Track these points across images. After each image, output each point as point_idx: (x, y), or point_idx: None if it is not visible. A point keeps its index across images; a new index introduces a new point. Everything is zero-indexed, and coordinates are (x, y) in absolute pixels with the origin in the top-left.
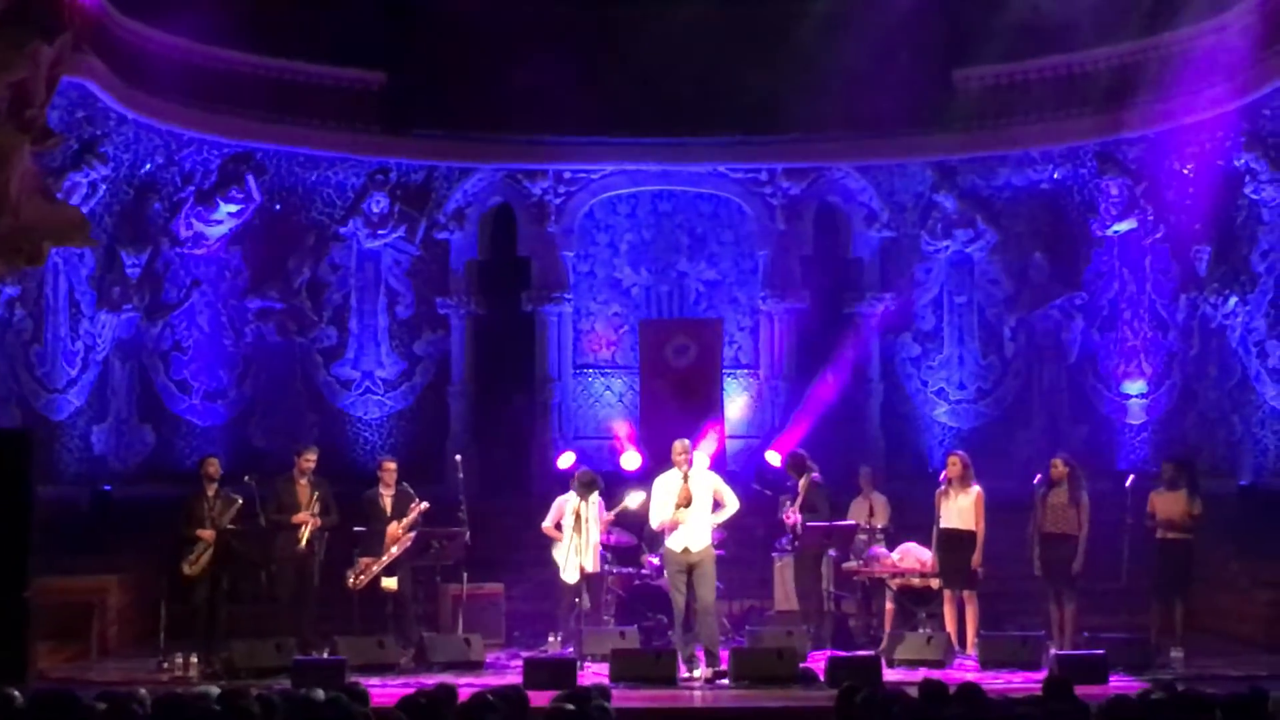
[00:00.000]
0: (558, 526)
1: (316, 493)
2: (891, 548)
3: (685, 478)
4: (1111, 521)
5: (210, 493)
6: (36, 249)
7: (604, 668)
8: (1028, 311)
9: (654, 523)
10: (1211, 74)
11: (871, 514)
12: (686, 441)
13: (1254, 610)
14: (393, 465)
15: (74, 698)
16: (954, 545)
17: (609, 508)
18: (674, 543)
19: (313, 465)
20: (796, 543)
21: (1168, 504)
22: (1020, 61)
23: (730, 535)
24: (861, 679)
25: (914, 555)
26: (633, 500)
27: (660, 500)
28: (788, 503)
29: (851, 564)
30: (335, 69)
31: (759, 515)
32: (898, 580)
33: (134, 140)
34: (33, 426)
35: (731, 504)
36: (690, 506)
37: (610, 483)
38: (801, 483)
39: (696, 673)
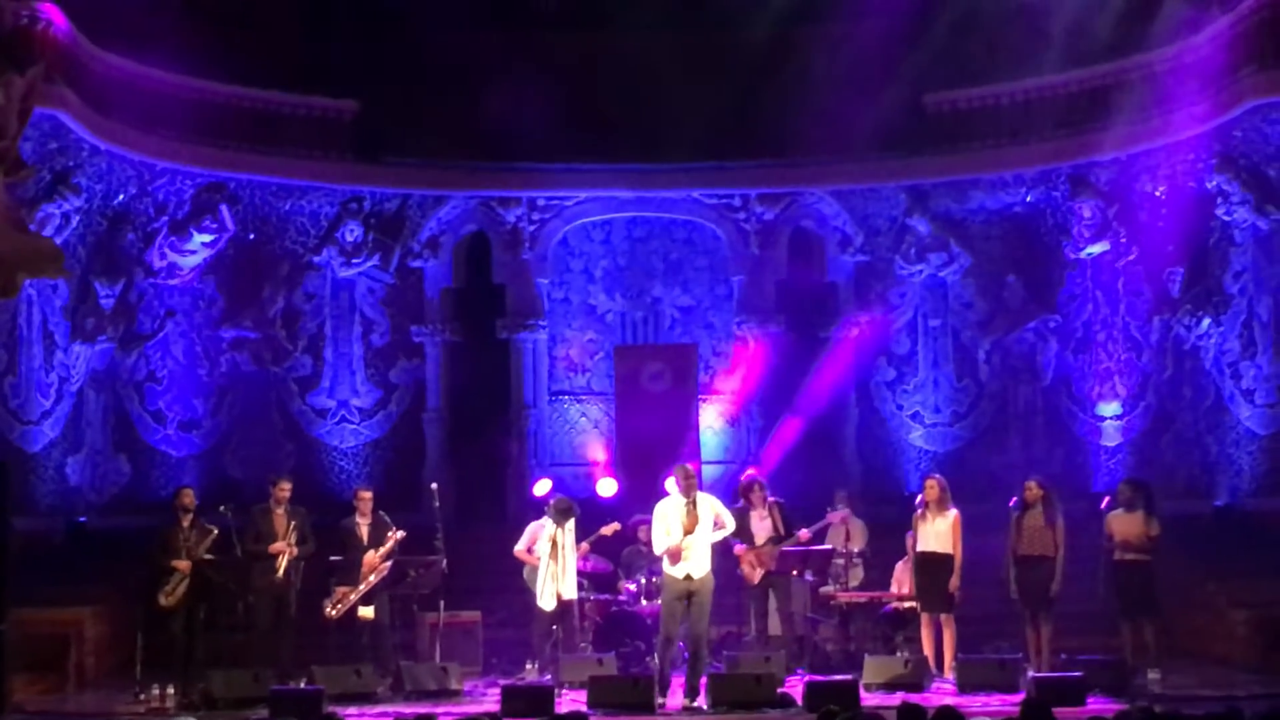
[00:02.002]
0: (530, 550)
1: (293, 522)
2: (868, 571)
3: (691, 503)
4: (1087, 544)
5: (185, 523)
6: (10, 280)
7: (581, 695)
8: (1002, 334)
9: (657, 549)
10: (1183, 96)
11: (848, 538)
12: (690, 467)
13: (1230, 630)
14: (368, 494)
15: None
16: (931, 568)
17: (585, 536)
18: (675, 570)
19: (288, 494)
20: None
21: (1125, 525)
22: (992, 85)
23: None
24: (840, 703)
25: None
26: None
27: (663, 526)
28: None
29: (828, 588)
30: (308, 98)
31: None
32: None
33: (107, 171)
34: (7, 458)
35: (730, 525)
36: (694, 533)
37: (587, 509)
38: (770, 507)
39: (662, 701)
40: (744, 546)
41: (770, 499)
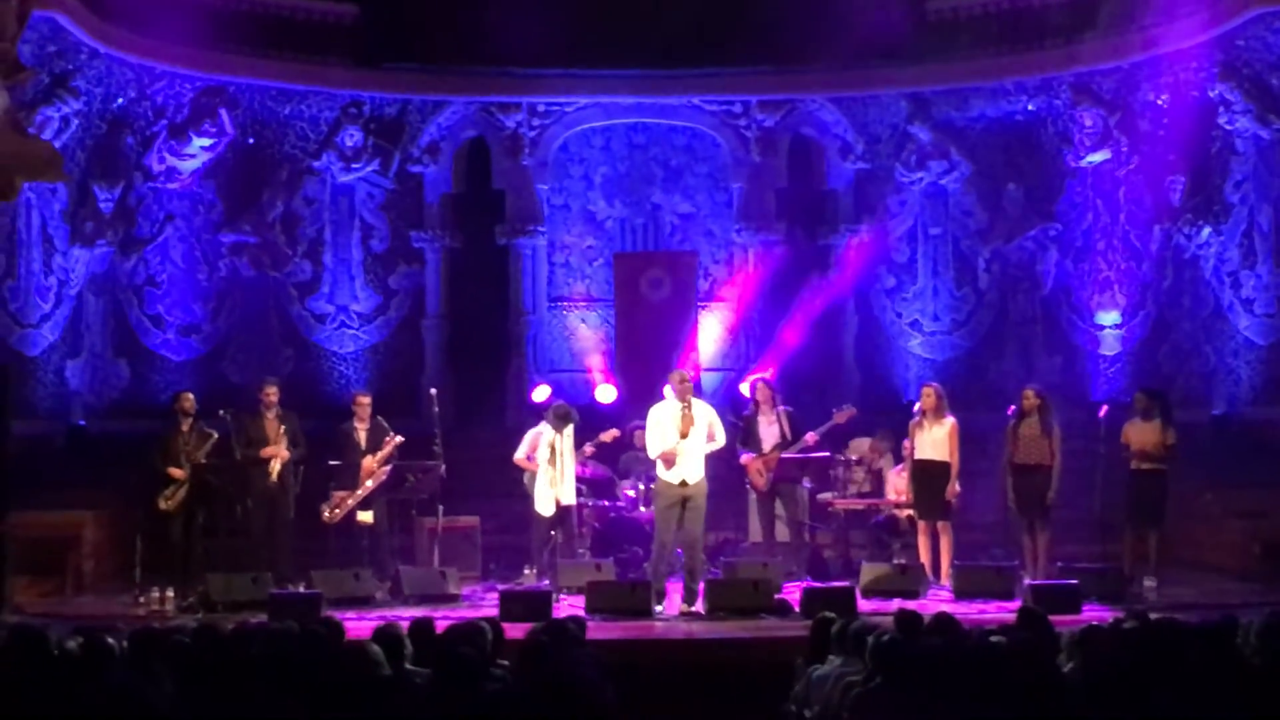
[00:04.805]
0: (529, 458)
1: (284, 426)
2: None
3: (686, 407)
4: (1085, 452)
5: (185, 427)
6: (8, 184)
7: (579, 600)
8: (1002, 243)
9: (651, 453)
10: (1186, 4)
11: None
12: (686, 372)
13: (1227, 539)
14: (367, 399)
15: (43, 634)
16: (928, 476)
17: (584, 442)
18: (670, 475)
19: (276, 398)
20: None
21: (1141, 434)
22: None
23: (707, 467)
24: (836, 609)
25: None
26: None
27: (658, 430)
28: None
29: (826, 495)
30: (307, 2)
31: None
32: (889, 508)
33: (106, 74)
34: (6, 362)
35: (720, 440)
36: (689, 437)
37: (585, 415)
38: (779, 414)
39: (659, 608)
40: (750, 455)
41: (780, 407)
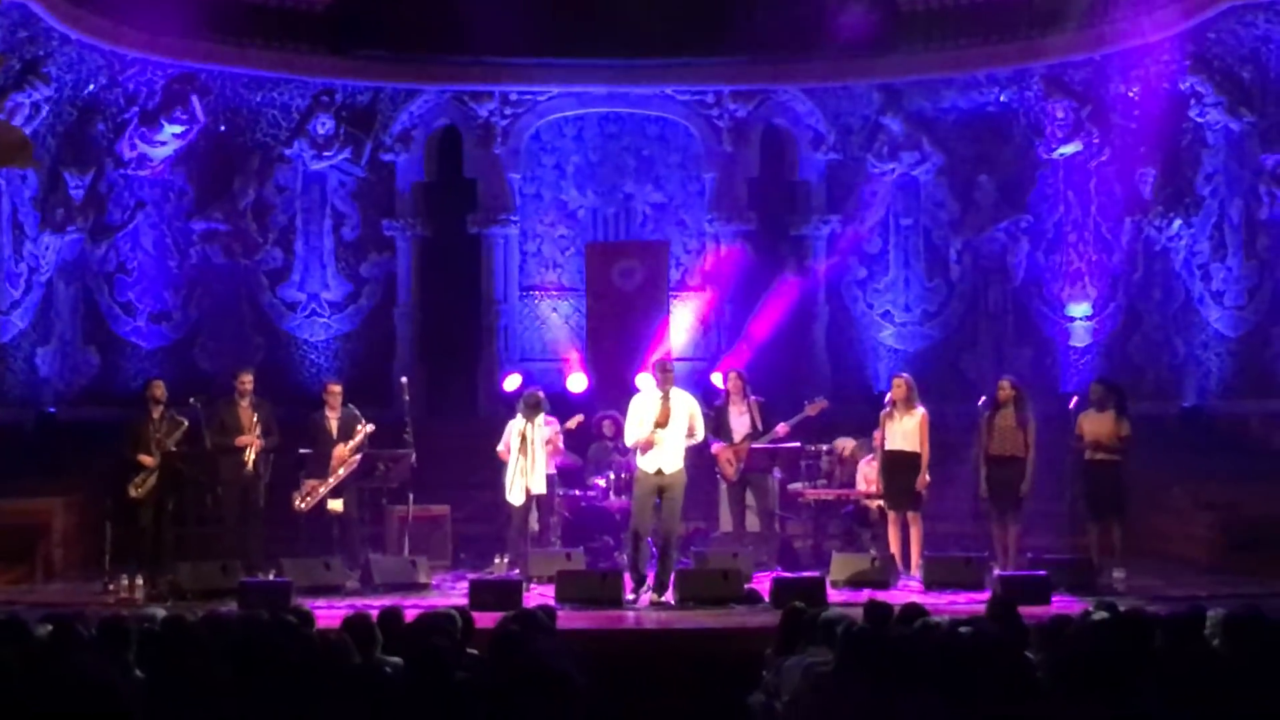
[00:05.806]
0: (509, 448)
1: (257, 414)
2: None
3: (665, 397)
4: (1055, 443)
5: (156, 415)
6: None
7: (550, 589)
8: (973, 234)
9: (629, 441)
10: None
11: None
12: (668, 362)
13: (1195, 531)
14: (338, 388)
15: (20, 621)
16: (898, 467)
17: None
18: (647, 463)
19: (250, 386)
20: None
21: (1095, 425)
22: None
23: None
24: (806, 599)
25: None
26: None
27: (636, 419)
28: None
29: (797, 485)
30: None
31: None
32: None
33: (77, 60)
34: None
35: (699, 435)
36: (667, 427)
37: (557, 404)
38: (750, 404)
39: (631, 597)
40: (721, 445)
41: (751, 397)
